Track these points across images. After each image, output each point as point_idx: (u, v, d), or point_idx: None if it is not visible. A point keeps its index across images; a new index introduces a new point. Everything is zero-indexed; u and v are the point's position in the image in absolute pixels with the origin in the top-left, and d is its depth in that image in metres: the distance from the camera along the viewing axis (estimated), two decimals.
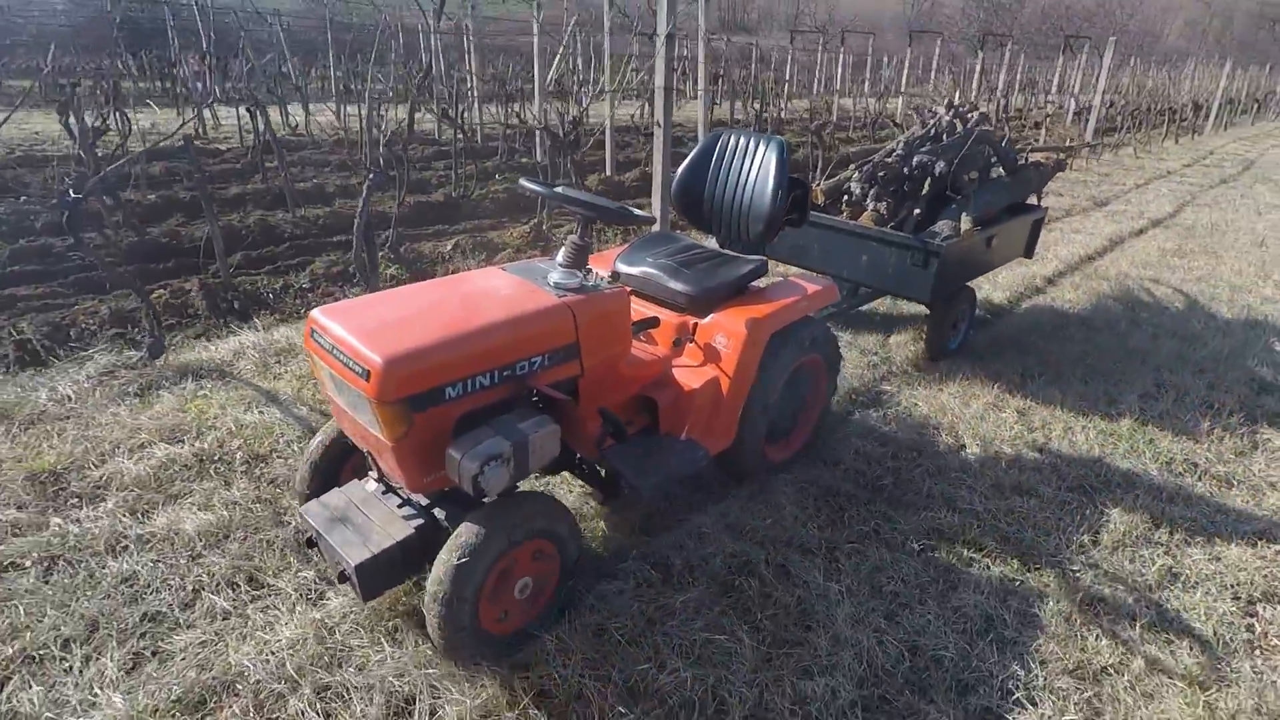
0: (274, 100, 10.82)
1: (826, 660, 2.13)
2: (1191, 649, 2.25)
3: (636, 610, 2.25)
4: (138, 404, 3.31)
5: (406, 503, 2.13)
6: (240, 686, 1.97)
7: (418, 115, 11.17)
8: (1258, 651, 2.28)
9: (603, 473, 2.51)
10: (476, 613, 1.93)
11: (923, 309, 4.24)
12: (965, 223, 3.96)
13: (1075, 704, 2.04)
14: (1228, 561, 2.65)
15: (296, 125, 12.13)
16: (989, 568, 2.55)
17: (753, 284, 2.82)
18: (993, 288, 5.53)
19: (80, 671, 2.02)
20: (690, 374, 2.59)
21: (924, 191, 4.39)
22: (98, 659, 2.06)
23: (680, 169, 3.10)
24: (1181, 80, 18.38)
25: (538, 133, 10.59)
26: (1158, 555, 2.67)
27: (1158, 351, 4.48)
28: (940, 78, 17.81)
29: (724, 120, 12.28)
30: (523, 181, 2.28)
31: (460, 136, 8.46)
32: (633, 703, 1.96)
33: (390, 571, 2.00)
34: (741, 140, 2.99)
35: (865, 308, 4.84)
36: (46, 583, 2.32)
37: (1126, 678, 2.14)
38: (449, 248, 6.23)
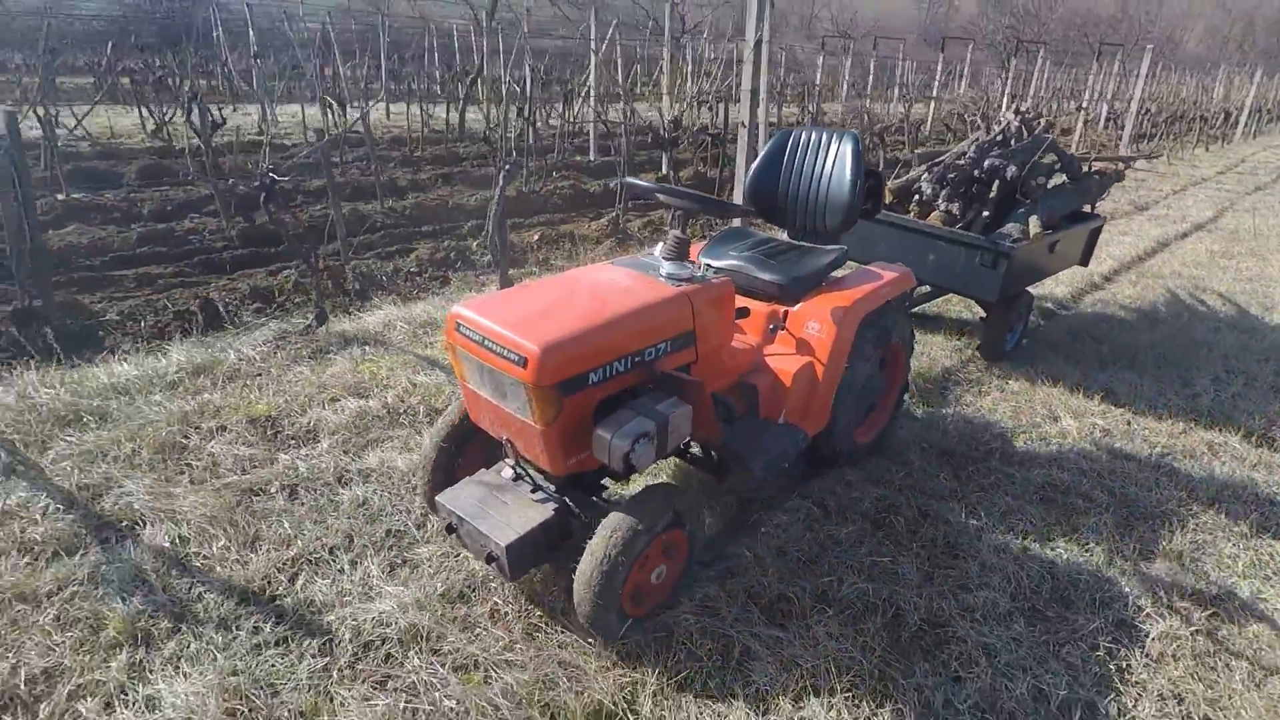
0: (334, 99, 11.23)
1: (979, 580, 2.48)
2: None
3: (809, 538, 2.62)
4: (315, 365, 3.70)
5: (538, 488, 2.22)
6: (492, 586, 2.34)
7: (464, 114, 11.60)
8: None
9: (713, 455, 2.61)
10: (621, 596, 2.01)
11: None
12: (1034, 226, 4.04)
13: (1196, 620, 2.39)
14: None
15: (354, 122, 12.55)
16: (1103, 514, 2.90)
17: (833, 273, 2.91)
18: (1055, 283, 5.86)
19: (349, 573, 2.40)
20: (784, 360, 2.69)
21: (991, 194, 4.50)
22: (361, 563, 2.43)
23: (753, 166, 3.22)
24: (1214, 88, 18.61)
25: (592, 130, 11.01)
26: (1249, 510, 3.00)
27: (1221, 342, 4.81)
28: (974, 83, 18.12)
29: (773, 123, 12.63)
30: (629, 180, 2.43)
31: (532, 134, 8.83)
32: (825, 606, 2.32)
33: (534, 552, 2.10)
34: (813, 136, 3.12)
35: (920, 308, 4.88)
36: (293, 505, 2.70)
37: (1236, 603, 2.48)
38: (536, 238, 6.62)
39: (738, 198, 5.63)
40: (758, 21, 5.46)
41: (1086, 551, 2.68)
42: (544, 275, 5.57)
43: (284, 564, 2.40)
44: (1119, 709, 2.05)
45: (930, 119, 15.95)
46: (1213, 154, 15.63)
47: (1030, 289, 4.57)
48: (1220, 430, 3.65)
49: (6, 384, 3.34)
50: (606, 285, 2.21)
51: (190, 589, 2.28)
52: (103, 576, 2.29)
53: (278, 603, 2.26)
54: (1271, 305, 5.70)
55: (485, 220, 7.17)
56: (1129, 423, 3.68)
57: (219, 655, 2.04)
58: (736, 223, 5.01)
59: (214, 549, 2.44)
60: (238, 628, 2.14)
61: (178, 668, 2.01)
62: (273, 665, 2.03)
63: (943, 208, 4.43)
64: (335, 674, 2.02)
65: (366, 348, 3.91)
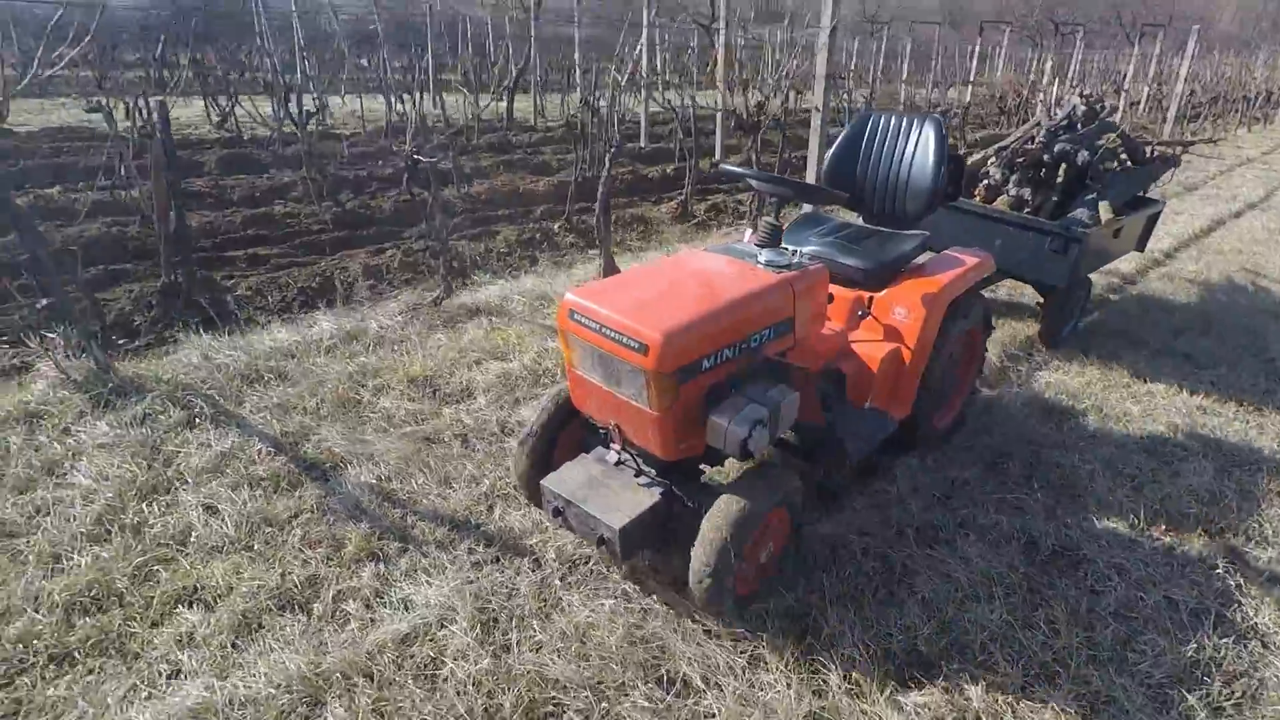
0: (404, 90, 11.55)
1: (1099, 513, 2.75)
2: None
3: (940, 478, 2.90)
4: (450, 333, 4.03)
5: (640, 473, 2.24)
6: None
7: (501, 104, 11.88)
8: None
9: (799, 442, 2.58)
10: (735, 575, 2.02)
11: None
12: (1106, 211, 4.02)
13: None
14: None
15: (401, 114, 12.87)
16: (1202, 459, 3.15)
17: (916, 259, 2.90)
18: (1119, 259, 6.04)
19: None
20: (870, 347, 2.71)
21: (1059, 179, 4.50)
22: None
23: (831, 150, 3.21)
24: (1256, 68, 18.42)
25: (643, 116, 11.24)
26: None
27: None
28: (1012, 67, 18.08)
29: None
30: (724, 165, 2.48)
31: (594, 122, 9.09)
32: (968, 534, 2.61)
33: (644, 534, 2.12)
34: (892, 121, 3.10)
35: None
36: (469, 450, 3.02)
37: None
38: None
39: (811, 180, 5.86)
40: (834, 10, 5.68)
41: (1189, 491, 2.93)
42: (624, 257, 5.86)
43: (479, 498, 2.73)
44: (1242, 617, 2.32)
45: (967, 103, 15.98)
46: (1255, 134, 15.54)
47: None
48: None
49: (185, 347, 3.70)
50: (712, 273, 2.25)
51: (403, 518, 2.61)
52: (328, 506, 2.63)
53: (483, 529, 2.58)
54: None
55: (562, 204, 7.49)
56: (1212, 383, 3.90)
57: (448, 568, 2.37)
58: (806, 208, 5.22)
59: (415, 484, 2.77)
60: (455, 549, 2.47)
61: (416, 579, 2.34)
62: (496, 577, 2.35)
63: (1013, 193, 4.44)
64: (556, 583, 2.33)
65: (492, 318, 4.23)
